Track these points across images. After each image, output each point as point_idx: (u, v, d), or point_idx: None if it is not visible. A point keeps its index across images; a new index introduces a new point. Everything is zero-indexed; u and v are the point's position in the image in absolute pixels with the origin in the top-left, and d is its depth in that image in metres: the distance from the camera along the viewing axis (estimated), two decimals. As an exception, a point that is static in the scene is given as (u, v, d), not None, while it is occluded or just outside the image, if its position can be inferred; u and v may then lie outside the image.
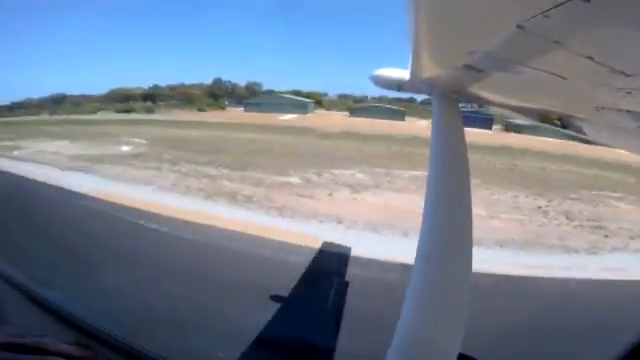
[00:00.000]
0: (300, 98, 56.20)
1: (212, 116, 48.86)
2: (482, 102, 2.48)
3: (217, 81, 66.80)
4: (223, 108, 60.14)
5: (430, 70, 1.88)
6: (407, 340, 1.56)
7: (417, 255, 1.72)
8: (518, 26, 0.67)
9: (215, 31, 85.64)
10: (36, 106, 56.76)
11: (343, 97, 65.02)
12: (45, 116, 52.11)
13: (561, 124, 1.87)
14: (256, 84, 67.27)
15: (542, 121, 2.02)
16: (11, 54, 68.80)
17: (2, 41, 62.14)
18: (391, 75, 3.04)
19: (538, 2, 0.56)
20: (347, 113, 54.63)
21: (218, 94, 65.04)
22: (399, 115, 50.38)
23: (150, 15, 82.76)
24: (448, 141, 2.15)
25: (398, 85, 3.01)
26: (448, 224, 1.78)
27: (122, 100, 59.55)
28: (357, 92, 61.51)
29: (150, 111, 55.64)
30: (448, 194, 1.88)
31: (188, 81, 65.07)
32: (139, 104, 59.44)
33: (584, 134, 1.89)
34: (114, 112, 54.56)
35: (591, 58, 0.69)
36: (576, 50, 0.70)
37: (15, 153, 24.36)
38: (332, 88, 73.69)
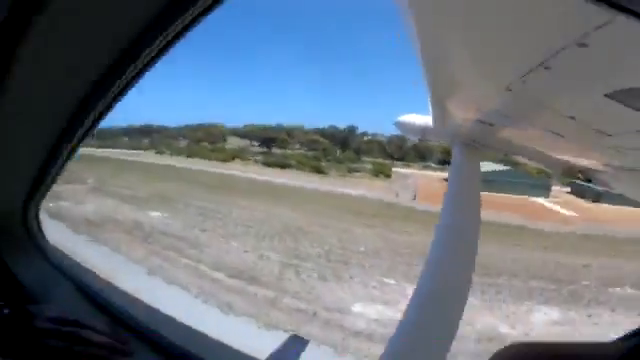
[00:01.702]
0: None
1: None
2: (503, 151, 2.52)
3: (351, 129, 53.27)
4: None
5: (449, 122, 2.01)
6: None
7: (414, 294, 1.73)
8: (507, 89, 0.75)
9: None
10: (117, 136, 49.41)
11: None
12: (152, 153, 42.85)
13: (583, 178, 1.88)
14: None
15: (564, 174, 2.02)
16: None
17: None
18: (415, 122, 2.99)
19: (518, 67, 0.64)
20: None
21: (349, 144, 51.44)
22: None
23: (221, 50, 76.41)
24: (464, 191, 2.17)
25: (422, 132, 2.99)
26: (450, 271, 1.80)
27: (212, 139, 50.36)
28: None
29: (353, 170, 38.21)
30: (454, 243, 1.91)
31: (285, 122, 52.87)
32: (256, 149, 48.94)
33: (609, 187, 1.86)
34: (260, 164, 40.04)
35: (573, 118, 0.74)
36: (559, 111, 0.76)
37: None
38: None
